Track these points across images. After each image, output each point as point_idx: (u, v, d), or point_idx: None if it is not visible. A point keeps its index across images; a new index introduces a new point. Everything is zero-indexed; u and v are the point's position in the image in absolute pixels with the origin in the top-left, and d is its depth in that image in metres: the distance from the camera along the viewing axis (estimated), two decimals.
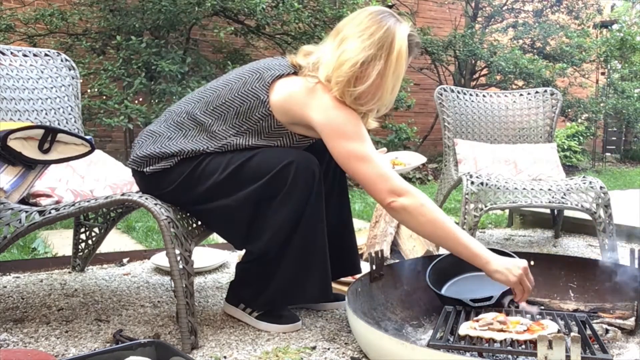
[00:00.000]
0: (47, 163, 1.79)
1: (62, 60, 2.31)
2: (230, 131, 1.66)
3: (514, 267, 1.60)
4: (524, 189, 2.46)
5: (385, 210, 1.63)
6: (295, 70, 1.67)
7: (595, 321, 1.66)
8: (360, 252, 2.63)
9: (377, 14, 1.64)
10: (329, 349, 1.61)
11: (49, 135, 1.74)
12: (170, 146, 1.67)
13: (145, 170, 1.70)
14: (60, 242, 2.93)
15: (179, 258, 1.56)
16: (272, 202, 1.65)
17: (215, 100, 1.68)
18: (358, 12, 1.67)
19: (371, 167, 1.59)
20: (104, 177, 2.06)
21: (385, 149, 2.05)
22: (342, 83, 1.60)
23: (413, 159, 1.95)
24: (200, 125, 1.67)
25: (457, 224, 3.46)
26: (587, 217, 2.50)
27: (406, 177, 6.40)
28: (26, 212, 1.68)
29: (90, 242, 2.31)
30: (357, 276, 1.89)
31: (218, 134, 1.66)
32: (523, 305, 1.65)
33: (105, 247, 2.64)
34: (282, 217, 1.65)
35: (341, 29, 1.65)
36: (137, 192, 1.75)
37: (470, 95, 3.22)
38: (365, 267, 2.01)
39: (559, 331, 1.51)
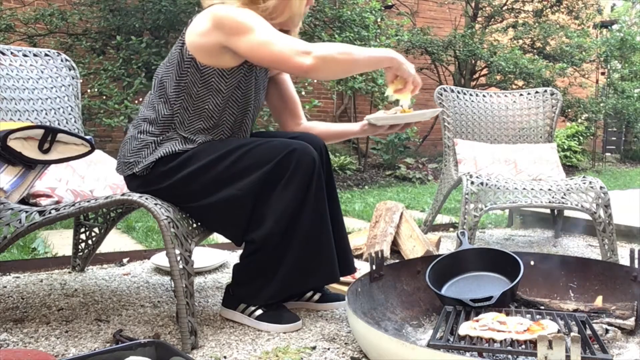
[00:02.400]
0: (47, 163, 1.79)
1: (62, 60, 2.31)
2: (174, 95, 1.73)
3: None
4: (524, 189, 2.46)
5: (305, 74, 1.65)
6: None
7: (595, 321, 1.66)
8: (360, 252, 2.64)
9: None
10: (329, 349, 1.61)
11: (49, 135, 1.74)
12: (147, 138, 1.74)
13: (135, 171, 1.72)
14: (60, 242, 2.93)
15: (179, 258, 1.56)
16: (274, 190, 1.67)
17: (158, 80, 1.78)
18: None
19: (274, 46, 1.62)
20: (104, 177, 2.06)
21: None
22: None
23: (426, 110, 1.92)
24: (155, 108, 1.76)
25: (457, 224, 3.47)
26: (587, 217, 2.50)
27: (406, 176, 6.40)
28: (26, 212, 1.68)
29: (90, 242, 2.31)
30: (357, 276, 1.89)
31: (169, 106, 1.73)
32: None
33: (105, 247, 2.64)
34: (284, 203, 1.67)
35: None
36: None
37: (470, 95, 3.22)
38: (365, 267, 2.01)
39: (559, 331, 1.51)
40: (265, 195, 1.68)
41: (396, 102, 1.81)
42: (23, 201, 1.83)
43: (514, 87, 7.25)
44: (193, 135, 1.74)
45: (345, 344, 1.65)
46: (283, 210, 1.67)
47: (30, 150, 1.71)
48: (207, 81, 1.71)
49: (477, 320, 1.57)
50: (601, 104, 8.36)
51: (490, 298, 1.71)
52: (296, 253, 1.70)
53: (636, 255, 1.79)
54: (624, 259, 2.29)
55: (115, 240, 2.98)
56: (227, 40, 1.64)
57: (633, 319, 1.67)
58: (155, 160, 1.71)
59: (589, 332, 1.52)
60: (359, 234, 2.86)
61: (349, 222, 3.68)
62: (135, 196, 1.60)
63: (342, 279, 1.98)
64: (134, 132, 1.78)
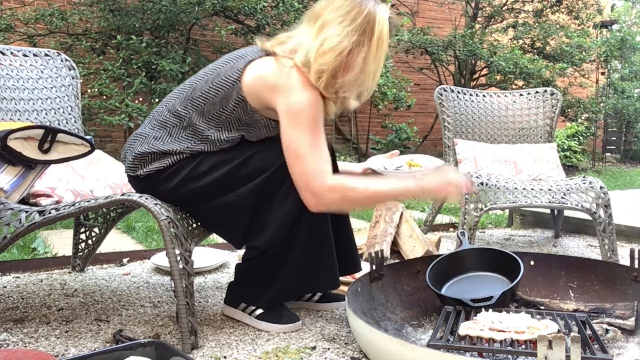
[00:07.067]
0: (47, 163, 1.78)
1: (62, 60, 2.31)
2: (211, 123, 1.66)
3: (441, 179, 1.62)
4: (524, 189, 2.46)
5: (310, 209, 1.63)
6: (268, 53, 1.66)
7: (595, 321, 1.66)
8: (360, 252, 2.63)
9: None
10: (329, 349, 1.61)
11: (49, 135, 1.74)
12: (158, 145, 1.68)
13: (139, 173, 1.71)
14: (60, 242, 2.93)
15: (179, 258, 1.56)
16: (274, 197, 1.66)
17: (193, 93, 1.69)
18: None
19: (302, 165, 1.57)
20: (104, 177, 2.06)
21: (397, 151, 2.05)
22: (327, 72, 1.58)
23: (430, 161, 1.94)
24: (182, 120, 1.69)
25: (457, 224, 3.47)
26: (587, 217, 2.50)
27: None
28: (26, 212, 1.68)
29: (90, 242, 2.31)
30: (357, 276, 1.89)
31: (199, 127, 1.67)
32: None
33: (105, 247, 2.64)
34: (285, 211, 1.66)
35: (320, 14, 1.62)
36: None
37: (470, 95, 3.22)
38: (365, 267, 2.01)
39: (559, 331, 1.51)
40: (266, 203, 1.67)
41: (392, 146, 1.83)
42: (23, 201, 1.83)
43: (514, 87, 7.25)
44: (212, 149, 1.70)
45: (345, 344, 1.65)
46: (284, 218, 1.66)
47: (30, 150, 1.71)
48: (250, 125, 1.67)
49: (477, 321, 1.57)
50: (601, 104, 8.36)
51: (490, 298, 1.71)
52: (297, 259, 1.70)
53: (636, 255, 1.79)
54: (624, 259, 2.29)
55: (115, 240, 2.98)
56: (280, 111, 1.59)
57: (633, 319, 1.67)
58: (161, 167, 1.68)
59: (589, 332, 1.52)
60: (359, 234, 2.86)
61: None
62: (135, 196, 1.60)
63: (342, 279, 1.98)
64: (150, 134, 1.71)
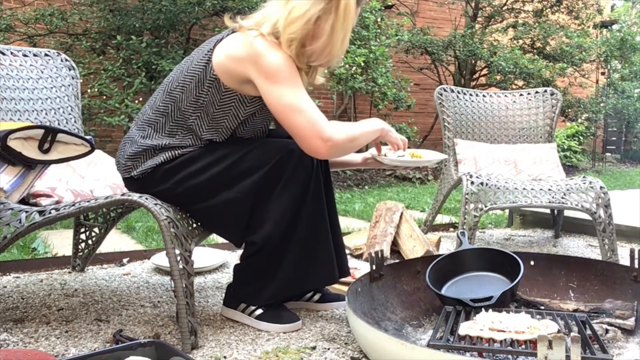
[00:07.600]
0: (47, 163, 1.78)
1: (62, 60, 2.31)
2: (190, 109, 1.68)
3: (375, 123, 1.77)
4: (524, 189, 2.46)
5: (314, 155, 1.64)
6: (235, 31, 1.68)
7: (595, 321, 1.66)
8: (360, 252, 2.64)
9: None
10: (329, 349, 1.61)
11: (49, 135, 1.74)
12: (147, 142, 1.70)
13: (133, 174, 1.72)
14: (60, 242, 2.93)
15: (179, 258, 1.56)
16: (273, 191, 1.67)
17: (171, 85, 1.72)
18: None
19: (300, 116, 1.59)
20: (104, 177, 2.06)
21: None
22: (296, 41, 1.61)
23: (433, 156, 1.95)
24: (165, 114, 1.71)
25: (457, 224, 3.47)
26: (587, 217, 2.50)
27: (406, 176, 6.40)
28: (26, 212, 1.68)
29: (90, 242, 2.31)
30: (357, 276, 1.90)
31: (180, 116, 1.69)
32: None
33: (105, 247, 2.64)
34: (284, 204, 1.67)
35: None
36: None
37: (470, 95, 3.22)
38: (365, 267, 2.01)
39: (559, 331, 1.51)
40: (265, 197, 1.68)
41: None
42: (23, 201, 1.83)
43: (514, 87, 7.25)
44: (197, 141, 1.72)
45: (345, 344, 1.65)
46: (283, 212, 1.67)
47: (30, 150, 1.71)
48: (226, 104, 1.68)
49: (477, 321, 1.57)
50: (601, 104, 8.37)
51: (490, 298, 1.71)
52: (296, 254, 1.71)
53: (636, 255, 1.79)
54: (624, 259, 2.29)
55: (115, 240, 2.99)
56: (256, 78, 1.60)
57: (633, 319, 1.67)
58: (154, 165, 1.70)
59: (589, 332, 1.52)
60: (359, 234, 2.86)
61: (349, 222, 3.68)
62: (135, 196, 1.60)
63: (342, 279, 1.98)
64: (137, 135, 1.74)
